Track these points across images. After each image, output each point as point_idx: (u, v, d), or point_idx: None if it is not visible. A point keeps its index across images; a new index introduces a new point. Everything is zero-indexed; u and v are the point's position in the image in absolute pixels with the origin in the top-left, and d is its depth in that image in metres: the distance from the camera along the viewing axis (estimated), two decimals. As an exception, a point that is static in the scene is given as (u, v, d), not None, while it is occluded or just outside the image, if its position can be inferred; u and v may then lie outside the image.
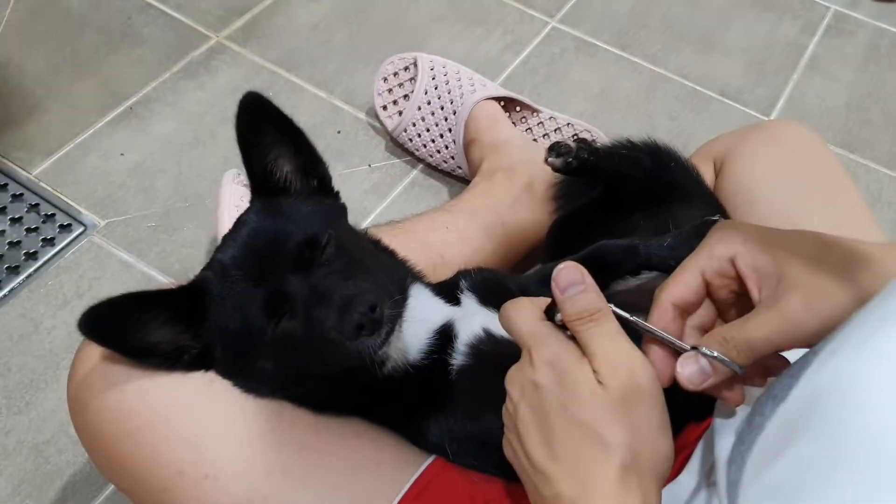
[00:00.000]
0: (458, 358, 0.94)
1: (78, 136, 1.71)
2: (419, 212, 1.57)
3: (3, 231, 1.55)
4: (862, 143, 1.84)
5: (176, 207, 1.61)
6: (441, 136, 1.61)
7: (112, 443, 0.90)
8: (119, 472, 0.92)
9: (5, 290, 1.47)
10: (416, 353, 0.93)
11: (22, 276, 1.49)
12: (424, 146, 1.65)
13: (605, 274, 0.97)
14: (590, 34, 2.01)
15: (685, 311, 0.77)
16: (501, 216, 1.39)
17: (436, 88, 1.61)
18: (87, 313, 0.82)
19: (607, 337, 0.72)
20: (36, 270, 1.50)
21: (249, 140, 0.92)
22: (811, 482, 0.53)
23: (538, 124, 1.64)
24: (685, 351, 0.74)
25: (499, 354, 0.91)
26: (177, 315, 0.88)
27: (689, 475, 0.87)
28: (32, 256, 1.52)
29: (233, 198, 1.41)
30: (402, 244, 1.07)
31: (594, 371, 0.71)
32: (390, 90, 1.70)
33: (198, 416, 0.90)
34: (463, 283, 1.01)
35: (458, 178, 1.67)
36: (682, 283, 0.76)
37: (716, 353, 0.71)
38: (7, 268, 1.50)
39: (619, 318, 0.74)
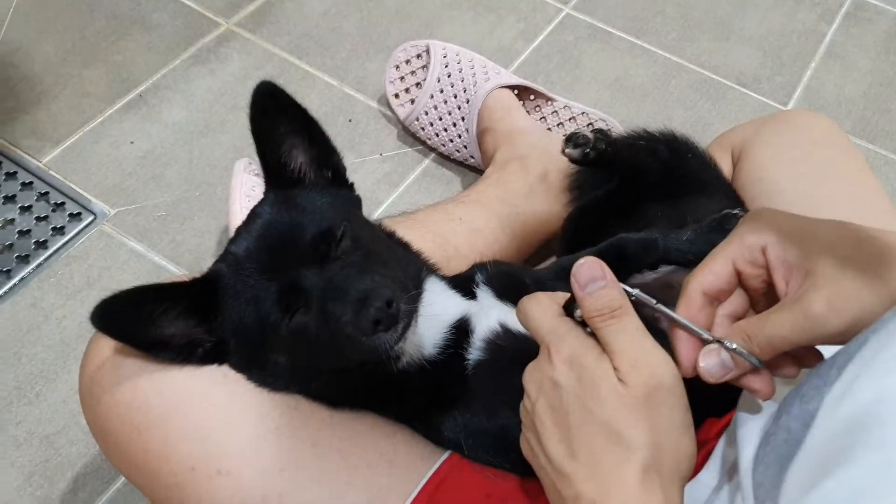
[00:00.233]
0: (473, 353, 0.93)
1: (87, 123, 1.69)
2: (431, 202, 1.56)
3: (13, 219, 1.54)
4: (881, 133, 1.81)
5: (186, 196, 1.60)
6: (454, 124, 1.59)
7: (124, 437, 0.89)
8: (131, 466, 0.91)
9: (15, 280, 1.46)
10: (431, 348, 0.92)
11: (32, 266, 1.48)
12: (437, 135, 1.63)
13: (623, 268, 0.96)
14: (604, 21, 1.99)
15: (715, 299, 0.75)
16: (516, 207, 1.37)
17: (449, 76, 1.59)
18: (100, 306, 0.81)
19: (628, 334, 0.70)
20: (46, 259, 1.49)
21: (263, 130, 0.91)
22: None
23: (552, 113, 1.62)
24: (708, 342, 0.72)
25: (515, 350, 0.91)
26: (190, 308, 0.87)
27: (710, 473, 0.86)
28: (42, 245, 1.51)
29: (244, 187, 1.40)
30: (416, 236, 1.06)
31: (615, 369, 0.69)
32: (402, 78, 1.68)
33: (210, 410, 0.89)
34: (478, 277, 1.00)
35: (470, 168, 1.66)
36: (712, 272, 0.74)
37: (735, 347, 0.70)
38: (17, 257, 1.49)
39: (642, 304, 0.73)
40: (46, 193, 1.58)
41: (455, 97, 1.58)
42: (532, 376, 0.75)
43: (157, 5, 1.92)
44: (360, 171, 1.64)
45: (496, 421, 0.91)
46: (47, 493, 1.24)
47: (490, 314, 0.95)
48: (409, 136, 1.71)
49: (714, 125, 1.77)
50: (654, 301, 0.73)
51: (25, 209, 1.55)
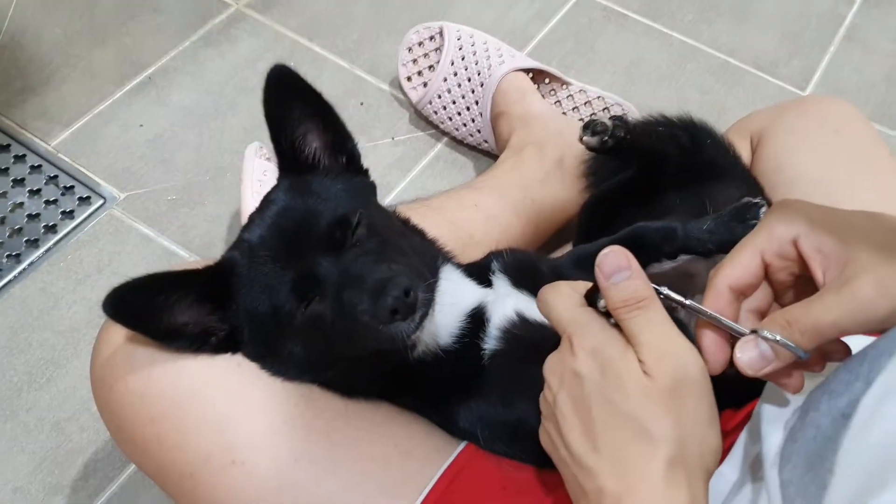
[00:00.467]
0: (490, 342, 0.92)
1: (96, 106, 1.68)
2: (444, 186, 1.56)
3: (22, 203, 1.53)
4: (901, 119, 1.79)
5: (196, 180, 1.58)
6: (468, 108, 1.57)
7: (137, 426, 0.88)
8: (144, 455, 0.91)
9: (25, 264, 1.45)
10: (447, 338, 0.91)
11: (42, 250, 1.47)
12: (450, 119, 1.61)
13: (641, 257, 0.94)
14: (619, 3, 1.96)
15: (742, 293, 0.74)
16: (531, 193, 1.36)
17: (463, 59, 1.57)
18: (112, 295, 0.80)
19: (654, 325, 0.69)
20: (56, 244, 1.48)
21: (277, 115, 0.89)
22: None
23: (567, 97, 1.60)
24: (742, 335, 0.70)
25: (533, 339, 0.90)
26: (203, 296, 0.86)
27: (731, 467, 0.84)
28: (52, 229, 1.49)
29: (256, 172, 1.38)
30: (431, 223, 1.04)
31: (640, 361, 0.68)
32: (415, 60, 1.66)
33: (225, 400, 0.88)
34: (494, 265, 0.98)
35: (484, 153, 1.64)
36: (740, 265, 0.72)
37: (778, 337, 0.67)
38: (26, 241, 1.48)
39: (671, 300, 0.72)
40: (55, 177, 1.57)
41: (469, 80, 1.56)
42: (553, 367, 0.74)
43: (166, -15, 1.90)
44: (372, 155, 1.62)
45: (513, 411, 0.90)
46: (58, 479, 1.24)
47: (506, 303, 0.93)
48: (422, 119, 1.69)
49: (730, 110, 1.75)
50: (684, 299, 0.72)
51: (34, 193, 1.54)
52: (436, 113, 1.62)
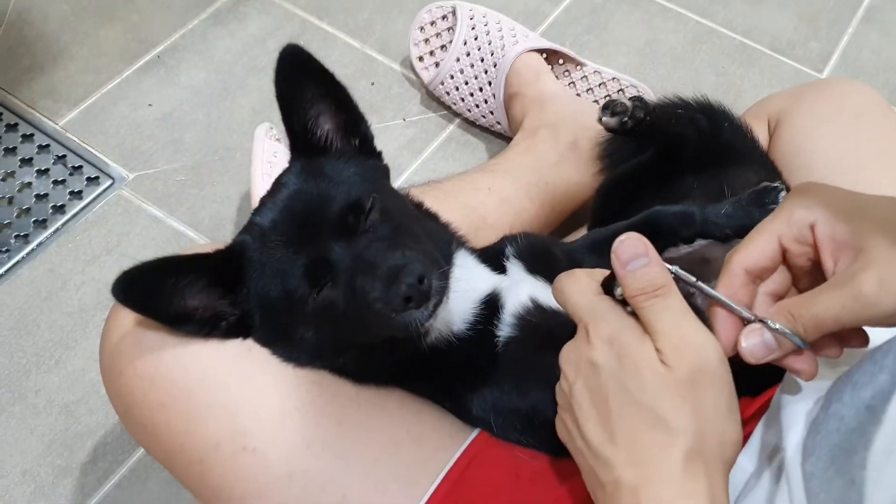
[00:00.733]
0: (504, 329, 0.90)
1: (105, 85, 1.66)
2: (456, 169, 1.54)
3: (30, 183, 1.52)
4: (921, 102, 1.76)
5: (206, 161, 1.57)
6: (480, 89, 1.55)
7: (147, 412, 0.87)
8: (154, 441, 0.90)
9: (33, 245, 1.44)
10: (461, 324, 0.90)
11: (50, 230, 1.46)
12: (462, 100, 1.59)
13: (658, 242, 0.93)
14: (633, -17, 1.93)
15: (758, 277, 0.73)
16: (545, 176, 1.35)
17: (476, 39, 1.54)
18: (121, 278, 0.78)
19: (672, 314, 0.68)
20: (64, 224, 1.47)
21: (289, 96, 0.87)
22: None
23: (582, 78, 1.57)
24: (751, 321, 0.70)
25: (548, 326, 0.89)
26: (214, 280, 0.84)
27: (748, 457, 0.83)
28: (60, 210, 1.48)
29: (266, 154, 1.37)
30: (444, 207, 1.03)
31: (657, 350, 0.67)
32: (427, 40, 1.63)
33: (235, 385, 0.87)
34: (508, 250, 0.97)
35: (496, 134, 1.62)
36: (757, 249, 0.71)
37: (778, 326, 0.67)
38: (35, 221, 1.47)
39: (681, 279, 0.71)
40: (64, 156, 1.55)
41: (482, 61, 1.54)
42: (569, 356, 0.73)
43: (174, -37, 1.88)
44: (383, 136, 1.59)
45: (527, 399, 0.89)
46: (67, 462, 1.23)
47: (521, 289, 0.92)
48: (434, 100, 1.67)
49: (746, 92, 1.73)
50: (694, 279, 0.71)
51: (42, 172, 1.53)
52: (448, 94, 1.60)
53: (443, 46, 1.62)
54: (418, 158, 1.60)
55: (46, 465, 1.23)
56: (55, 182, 1.52)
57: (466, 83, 1.56)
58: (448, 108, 1.65)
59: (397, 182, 1.55)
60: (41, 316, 1.37)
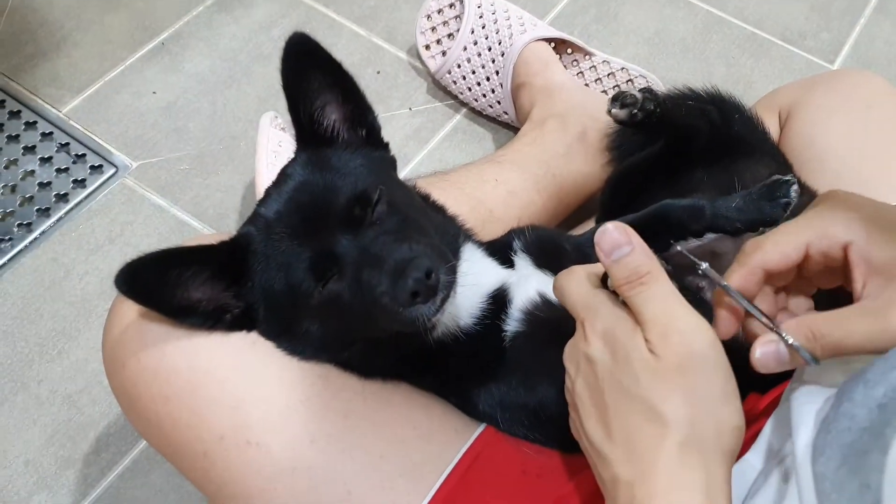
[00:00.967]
0: (511, 324, 0.90)
1: (108, 72, 1.65)
2: (462, 159, 1.53)
3: (34, 171, 1.51)
4: (932, 94, 1.74)
5: (210, 149, 1.56)
6: (487, 78, 1.53)
7: (150, 404, 0.87)
8: (157, 434, 0.89)
9: (36, 233, 1.43)
10: (468, 319, 0.89)
11: (53, 219, 1.45)
12: (469, 89, 1.57)
13: (667, 235, 0.93)
14: (643, -29, 1.91)
15: (773, 277, 0.72)
16: (553, 168, 1.33)
17: (483, 28, 1.53)
18: (124, 270, 0.78)
19: (658, 301, 0.67)
20: (67, 213, 1.46)
21: (295, 86, 0.86)
22: None
23: (590, 68, 1.56)
24: (769, 328, 0.68)
25: (556, 321, 0.87)
26: (218, 272, 0.84)
27: (756, 455, 0.82)
28: (63, 198, 1.47)
29: (271, 143, 1.35)
30: (450, 198, 1.03)
31: (646, 340, 0.66)
32: (434, 28, 1.62)
33: (240, 379, 0.86)
34: (516, 244, 0.96)
35: (503, 124, 1.61)
36: (782, 252, 0.70)
37: (794, 343, 0.66)
38: (38, 210, 1.46)
39: (709, 276, 0.70)
40: (67, 144, 1.54)
41: (489, 50, 1.52)
42: (570, 355, 0.73)
43: (179, -51, 1.86)
44: (389, 125, 1.58)
45: (534, 395, 0.88)
46: (70, 452, 1.23)
47: (529, 283, 0.92)
48: (440, 89, 1.66)
49: (757, 83, 1.71)
50: (725, 282, 0.70)
51: (46, 160, 1.52)
52: (455, 83, 1.59)
53: (450, 35, 1.60)
54: (424, 148, 1.59)
55: (49, 455, 1.22)
56: (58, 170, 1.51)
57: (473, 72, 1.55)
58: (455, 97, 1.64)
59: (403, 172, 1.54)
60: (44, 305, 1.36)
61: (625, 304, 0.69)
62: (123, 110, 1.60)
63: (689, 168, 1.13)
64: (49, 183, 1.49)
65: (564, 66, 1.54)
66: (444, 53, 1.60)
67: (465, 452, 0.87)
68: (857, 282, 0.67)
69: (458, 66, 1.56)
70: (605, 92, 1.54)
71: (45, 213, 1.46)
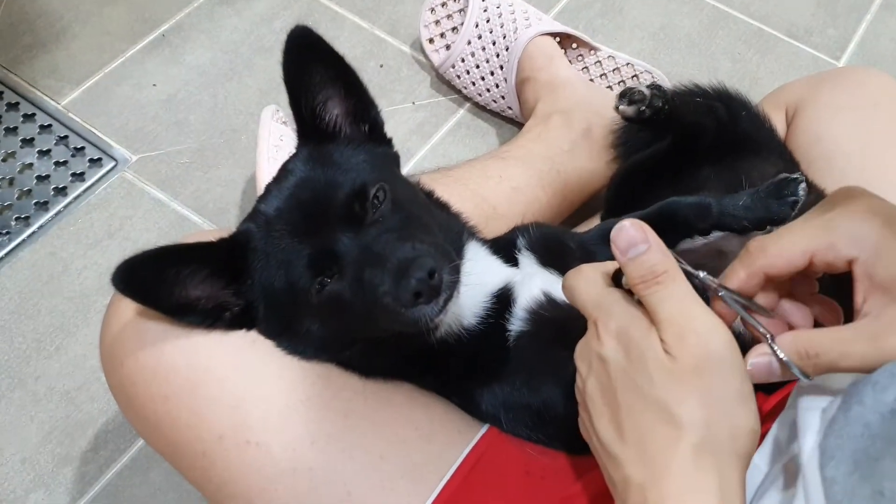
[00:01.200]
0: (516, 323, 0.88)
1: (108, 64, 1.64)
2: (466, 154, 1.52)
3: (32, 164, 1.49)
4: (940, 91, 1.72)
5: (211, 143, 1.54)
6: (492, 73, 1.52)
7: (148, 404, 0.86)
8: (155, 433, 0.88)
9: (34, 227, 1.42)
10: (471, 318, 0.88)
11: (51, 213, 1.44)
12: (473, 84, 1.56)
13: (674, 234, 0.92)
14: (648, -34, 1.89)
15: (772, 281, 0.70)
16: (557, 164, 1.32)
17: (487, 21, 1.51)
18: (122, 267, 0.76)
19: (675, 301, 0.65)
20: (65, 207, 1.45)
21: (297, 80, 0.85)
22: None
23: (595, 63, 1.54)
24: (755, 330, 0.68)
25: (560, 320, 0.87)
26: (217, 270, 0.82)
27: (762, 457, 0.81)
28: (62, 192, 1.46)
29: (272, 137, 1.34)
30: (454, 195, 1.01)
31: (662, 340, 0.65)
32: (437, 22, 1.60)
33: (239, 378, 0.85)
34: (520, 242, 0.95)
35: (507, 120, 1.59)
36: (786, 258, 0.68)
37: (785, 358, 0.65)
38: (35, 203, 1.45)
39: (707, 283, 0.69)
40: (66, 137, 1.53)
41: (494, 44, 1.50)
42: (582, 354, 0.72)
43: (180, -61, 1.84)
44: (392, 120, 1.56)
45: (539, 395, 0.87)
46: (68, 450, 1.22)
47: (533, 282, 0.90)
48: (444, 84, 1.64)
49: (762, 80, 1.70)
50: (723, 287, 0.69)
51: (44, 153, 1.51)
52: (458, 77, 1.57)
53: (454, 28, 1.58)
54: (427, 143, 1.58)
55: (46, 453, 1.21)
56: (57, 163, 1.49)
57: (477, 67, 1.53)
58: (458, 91, 1.62)
59: (406, 167, 1.52)
60: (42, 300, 1.35)
61: (639, 304, 0.68)
62: (123, 103, 1.58)
63: (695, 165, 1.11)
64: (47, 176, 1.48)
65: (569, 62, 1.52)
66: (447, 47, 1.59)
67: (467, 454, 0.86)
68: (859, 295, 0.66)
69: (462, 61, 1.55)
70: (610, 87, 1.53)
71: (43, 206, 1.44)
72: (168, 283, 0.80)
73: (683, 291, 0.66)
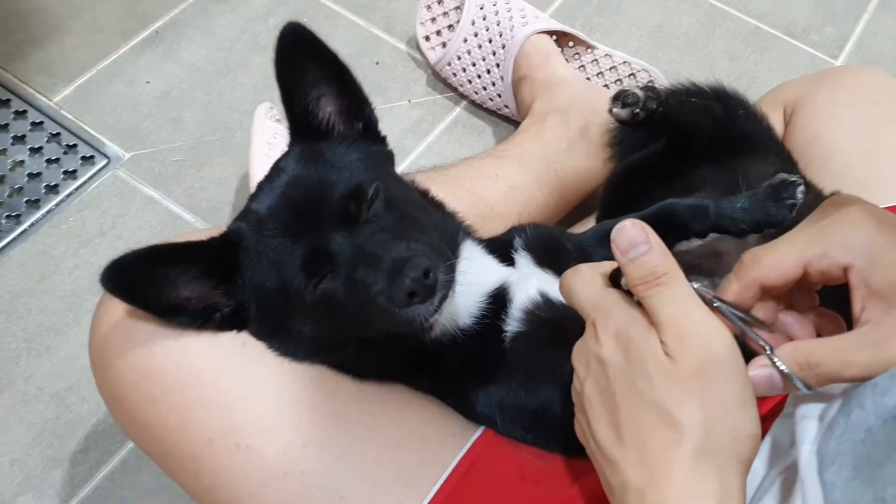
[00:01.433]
0: (512, 324, 0.88)
1: (101, 60, 1.62)
2: (462, 153, 1.51)
3: (23, 161, 1.48)
4: (938, 91, 1.71)
5: (204, 140, 1.53)
6: (488, 71, 1.51)
7: (138, 406, 0.84)
8: (144, 435, 0.87)
9: (25, 225, 1.40)
10: (467, 318, 0.87)
11: (42, 211, 1.42)
12: (469, 82, 1.55)
13: (671, 236, 0.90)
14: (646, -37, 1.88)
15: (769, 292, 0.70)
16: (554, 163, 1.31)
17: (484, 19, 1.50)
18: (111, 267, 0.75)
19: (676, 303, 0.64)
20: (57, 205, 1.43)
21: (289, 77, 0.84)
22: None
23: (592, 62, 1.53)
24: (754, 343, 0.67)
25: (557, 321, 0.86)
26: (208, 270, 0.81)
27: (760, 460, 0.80)
28: (53, 190, 1.45)
29: (265, 135, 1.33)
30: (450, 194, 1.00)
31: (662, 342, 0.64)
32: (434, 19, 1.59)
33: (230, 380, 0.83)
34: (517, 241, 0.94)
35: (504, 118, 1.58)
36: (781, 270, 0.67)
37: (787, 370, 0.64)
38: (27, 201, 1.43)
39: (703, 295, 0.67)
40: (58, 134, 1.51)
41: (490, 42, 1.49)
42: (580, 355, 0.71)
43: (174, -65, 1.83)
44: (387, 117, 1.56)
45: (535, 397, 0.86)
46: (57, 451, 1.20)
47: (529, 283, 0.89)
48: (440, 81, 1.63)
49: (760, 78, 1.69)
50: (718, 299, 0.68)
51: (35, 151, 1.49)
52: (454, 75, 1.56)
53: (450, 26, 1.57)
54: (423, 141, 1.57)
55: (36, 454, 1.20)
56: (49, 161, 1.48)
57: (474, 64, 1.52)
58: (454, 89, 1.61)
59: (401, 165, 1.51)
60: (32, 299, 1.33)
61: (639, 305, 0.67)
62: (116, 100, 1.57)
63: (693, 165, 1.11)
64: (39, 174, 1.46)
65: (566, 60, 1.51)
66: (444, 45, 1.58)
67: (462, 457, 0.85)
68: (857, 303, 0.65)
69: (459, 58, 1.53)
70: (606, 86, 1.52)
71: (34, 204, 1.43)
72: (158, 282, 0.79)
73: (685, 293, 0.65)
